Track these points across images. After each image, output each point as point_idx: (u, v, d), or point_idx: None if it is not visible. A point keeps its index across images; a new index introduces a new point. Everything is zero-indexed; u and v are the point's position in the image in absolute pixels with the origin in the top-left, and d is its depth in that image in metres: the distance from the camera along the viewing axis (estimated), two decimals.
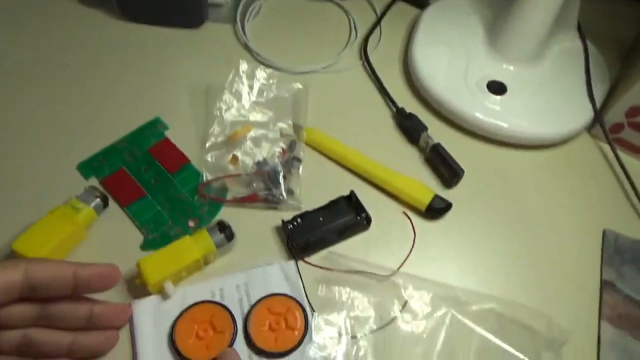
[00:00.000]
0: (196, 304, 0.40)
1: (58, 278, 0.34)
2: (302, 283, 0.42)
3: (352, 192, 0.46)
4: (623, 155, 0.52)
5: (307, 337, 0.39)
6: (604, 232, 0.47)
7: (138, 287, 0.40)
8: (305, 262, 0.43)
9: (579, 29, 0.59)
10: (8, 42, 0.56)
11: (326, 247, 0.44)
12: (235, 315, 0.39)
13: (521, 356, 0.39)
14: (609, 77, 0.56)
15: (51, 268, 0.34)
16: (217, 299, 0.40)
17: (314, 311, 0.40)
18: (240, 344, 0.38)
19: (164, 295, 0.40)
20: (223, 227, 0.42)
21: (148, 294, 0.40)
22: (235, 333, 0.39)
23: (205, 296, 0.41)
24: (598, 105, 0.53)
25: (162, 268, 0.40)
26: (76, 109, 0.51)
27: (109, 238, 0.44)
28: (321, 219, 0.45)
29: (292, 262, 0.43)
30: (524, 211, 0.48)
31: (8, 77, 0.53)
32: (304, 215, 0.45)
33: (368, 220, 0.45)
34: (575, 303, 0.43)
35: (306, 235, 0.43)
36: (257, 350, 0.38)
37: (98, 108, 0.52)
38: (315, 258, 0.44)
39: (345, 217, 0.45)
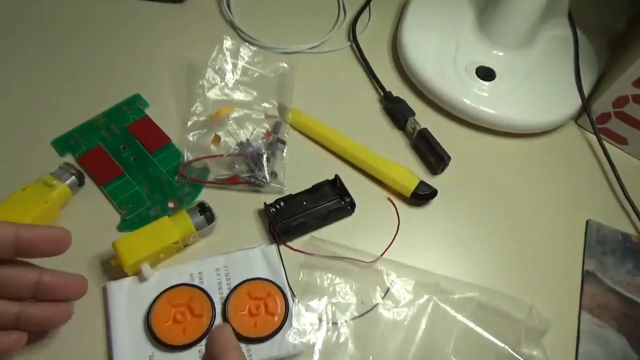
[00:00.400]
0: (174, 286, 0.39)
1: None
2: (284, 268, 0.41)
3: (336, 176, 0.45)
4: (609, 146, 0.51)
5: (287, 322, 0.38)
6: (587, 223, 0.47)
7: (114, 269, 0.39)
8: (287, 246, 0.43)
9: (570, 17, 0.58)
10: None
11: (309, 232, 0.44)
12: (214, 299, 0.39)
13: (501, 344, 0.39)
14: (598, 67, 0.56)
15: None
16: (196, 282, 0.40)
17: (294, 297, 0.40)
18: None
19: (140, 277, 0.39)
20: (204, 208, 0.41)
21: (124, 275, 0.39)
22: (213, 317, 0.38)
23: (183, 279, 0.40)
24: (586, 94, 0.52)
25: (140, 249, 0.38)
26: (52, 82, 0.49)
27: (85, 217, 0.42)
28: (304, 203, 0.44)
29: (273, 247, 0.42)
30: (508, 199, 0.48)
31: None
32: (287, 199, 0.44)
33: (352, 205, 0.44)
34: (556, 293, 0.43)
35: (289, 219, 0.43)
36: (236, 335, 0.37)
37: (75, 82, 0.50)
38: (298, 243, 0.43)
39: (329, 202, 0.44)
